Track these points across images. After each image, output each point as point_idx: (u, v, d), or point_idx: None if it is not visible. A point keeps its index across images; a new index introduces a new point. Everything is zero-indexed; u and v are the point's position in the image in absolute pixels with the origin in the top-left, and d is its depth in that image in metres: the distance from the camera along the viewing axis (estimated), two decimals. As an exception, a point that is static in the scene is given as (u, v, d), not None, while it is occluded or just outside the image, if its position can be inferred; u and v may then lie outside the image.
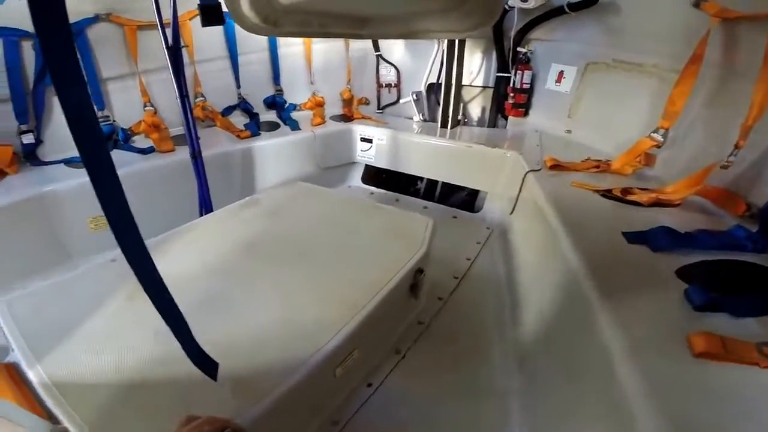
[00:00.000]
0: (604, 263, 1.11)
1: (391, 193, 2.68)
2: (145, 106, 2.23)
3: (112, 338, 0.97)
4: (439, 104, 2.64)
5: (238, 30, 2.39)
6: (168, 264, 1.24)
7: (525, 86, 2.45)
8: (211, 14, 1.41)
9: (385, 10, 1.37)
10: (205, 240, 1.41)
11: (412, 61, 2.86)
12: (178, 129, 2.37)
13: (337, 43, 2.79)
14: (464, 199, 2.66)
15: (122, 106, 2.21)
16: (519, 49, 2.41)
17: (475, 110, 2.86)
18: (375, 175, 2.83)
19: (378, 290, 1.17)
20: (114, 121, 2.19)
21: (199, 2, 1.42)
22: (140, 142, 2.26)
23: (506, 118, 2.63)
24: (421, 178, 2.80)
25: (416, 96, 2.79)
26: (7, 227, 1.68)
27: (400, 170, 2.63)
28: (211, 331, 0.95)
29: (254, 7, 1.05)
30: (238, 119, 2.56)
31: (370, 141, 2.64)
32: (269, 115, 2.69)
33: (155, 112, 2.25)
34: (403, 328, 1.46)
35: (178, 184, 2.03)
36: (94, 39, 2.01)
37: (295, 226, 1.51)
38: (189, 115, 1.76)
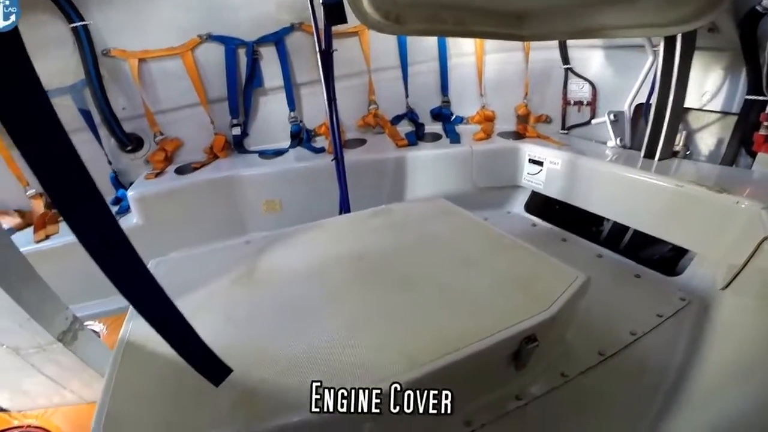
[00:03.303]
0: None
1: (559, 229, 2.22)
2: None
3: (197, 312, 1.05)
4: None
5: (410, 39, 2.47)
6: (276, 257, 1.34)
7: (789, 114, 1.67)
8: (334, 13, 1.41)
9: (547, 2, 1.10)
10: (322, 241, 1.44)
11: (615, 75, 2.33)
12: (354, 134, 2.57)
13: (515, 53, 2.53)
14: (664, 255, 1.98)
15: (310, 109, 2.53)
16: (782, 64, 1.65)
17: (705, 141, 2.10)
18: (543, 205, 2.42)
19: (456, 349, 0.94)
20: (302, 122, 2.54)
21: (322, 1, 1.44)
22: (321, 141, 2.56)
23: (753, 156, 1.85)
24: (608, 219, 2.24)
25: (614, 117, 2.25)
26: (206, 197, 2.13)
27: (576, 204, 2.16)
28: (268, 337, 0.96)
29: (373, 3, 0.97)
30: (407, 128, 2.60)
31: (540, 164, 2.28)
32: (436, 127, 2.64)
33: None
34: (488, 399, 1.14)
35: (332, 184, 2.17)
36: (290, 47, 2.35)
37: (412, 246, 1.40)
38: (334, 119, 1.87)
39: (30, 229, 2.14)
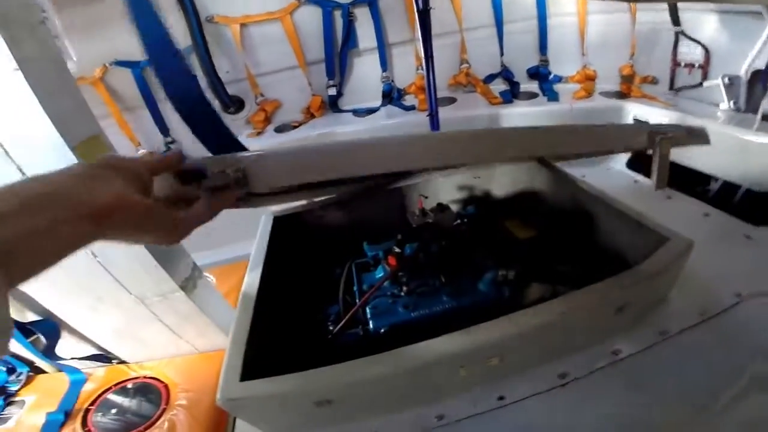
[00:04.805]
0: None
1: (663, 185, 2.11)
2: (417, 69, 2.52)
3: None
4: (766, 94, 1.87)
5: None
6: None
7: None
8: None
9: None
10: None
11: (731, 39, 2.14)
12: (443, 92, 2.57)
13: (621, 15, 2.40)
14: (780, 215, 1.84)
15: (401, 68, 2.58)
16: None
17: (834, 109, 1.91)
18: (647, 162, 2.29)
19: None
20: (393, 81, 2.59)
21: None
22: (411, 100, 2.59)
23: None
24: (716, 178, 2.10)
25: (729, 80, 2.08)
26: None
27: (683, 163, 2.03)
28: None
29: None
30: (500, 87, 2.57)
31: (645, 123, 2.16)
32: (531, 85, 2.57)
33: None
34: (584, 353, 1.07)
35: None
36: (383, 7, 2.40)
37: None
38: (431, 76, 1.90)
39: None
